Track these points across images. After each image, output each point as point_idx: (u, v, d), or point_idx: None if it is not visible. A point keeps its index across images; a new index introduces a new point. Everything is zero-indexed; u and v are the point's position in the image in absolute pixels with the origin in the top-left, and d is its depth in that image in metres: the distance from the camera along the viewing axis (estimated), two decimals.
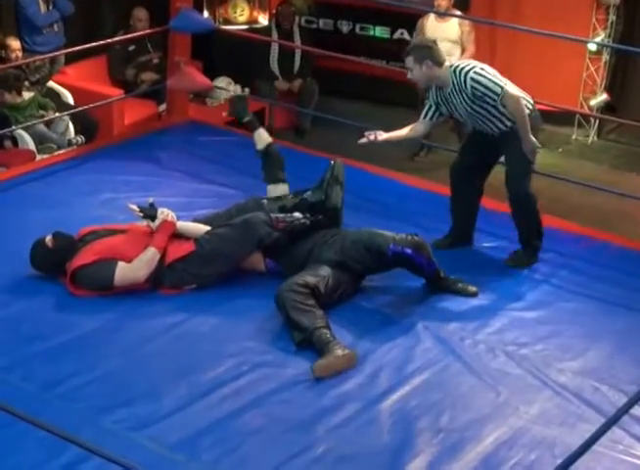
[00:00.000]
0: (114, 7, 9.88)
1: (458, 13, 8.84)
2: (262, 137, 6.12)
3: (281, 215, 5.46)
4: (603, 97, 9.79)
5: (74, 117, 8.24)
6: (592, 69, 9.75)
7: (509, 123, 5.64)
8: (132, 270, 5.27)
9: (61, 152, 7.85)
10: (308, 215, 5.52)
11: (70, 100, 8.66)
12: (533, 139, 5.62)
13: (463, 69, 5.60)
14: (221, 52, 10.05)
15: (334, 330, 4.98)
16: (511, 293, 5.65)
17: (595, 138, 9.99)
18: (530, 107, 5.65)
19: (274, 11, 10.30)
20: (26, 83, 8.24)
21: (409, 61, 5.67)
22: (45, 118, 8.04)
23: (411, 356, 4.96)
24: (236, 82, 9.76)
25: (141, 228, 5.48)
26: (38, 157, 7.80)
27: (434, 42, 5.92)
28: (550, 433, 4.45)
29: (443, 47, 8.86)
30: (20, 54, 8.41)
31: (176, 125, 7.97)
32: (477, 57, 9.08)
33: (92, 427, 4.24)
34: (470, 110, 5.65)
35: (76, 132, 8.25)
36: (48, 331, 4.99)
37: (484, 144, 5.83)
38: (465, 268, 5.78)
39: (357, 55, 9.86)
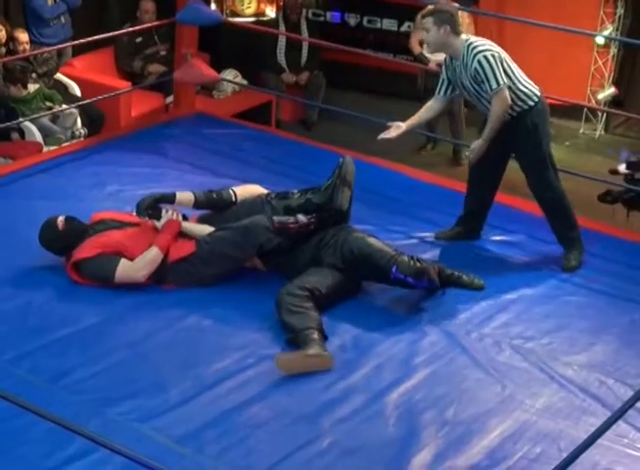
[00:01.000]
0: None
1: (463, 8, 8.81)
2: (185, 202, 5.63)
3: (284, 219, 5.36)
4: (610, 91, 9.77)
5: (81, 109, 8.25)
6: (600, 62, 9.73)
7: (515, 110, 5.55)
8: (133, 269, 5.27)
9: (66, 144, 7.86)
10: (312, 217, 5.42)
11: (78, 92, 8.66)
12: (482, 148, 5.58)
13: (476, 47, 5.53)
14: (228, 44, 10.04)
15: (340, 324, 4.99)
16: (517, 286, 5.64)
17: (602, 132, 9.97)
18: (536, 99, 5.60)
19: (281, 3, 10.30)
20: (34, 75, 8.26)
21: (428, 21, 5.56)
22: (52, 111, 8.05)
23: (417, 350, 4.96)
24: (243, 75, 9.76)
25: (149, 225, 5.48)
26: (45, 149, 7.82)
27: (457, 10, 5.81)
28: (556, 426, 4.45)
29: None
30: (27, 46, 8.42)
31: (183, 118, 7.96)
32: None
33: (98, 419, 4.25)
34: (473, 89, 5.60)
35: (83, 124, 8.27)
36: (54, 323, 5.00)
37: (497, 134, 5.68)
38: (471, 262, 5.78)
39: (364, 47, 9.87)
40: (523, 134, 5.64)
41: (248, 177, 6.57)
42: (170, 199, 5.60)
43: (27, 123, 7.90)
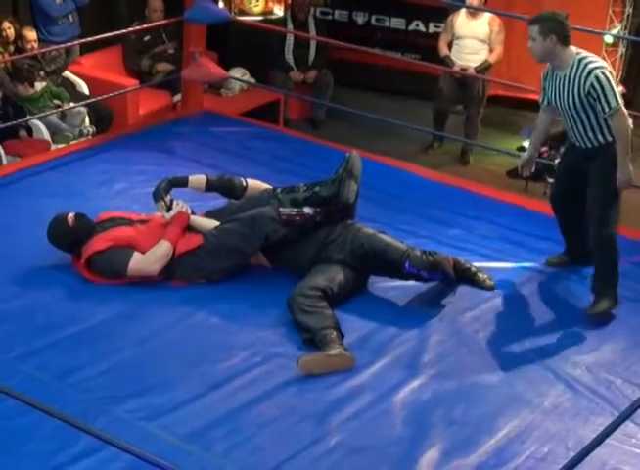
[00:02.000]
0: None
1: (484, 9, 8.82)
2: (196, 184, 5.69)
3: (290, 211, 5.38)
4: (619, 90, 9.72)
5: (89, 108, 8.26)
6: (608, 61, 9.68)
7: (605, 139, 5.23)
8: (146, 264, 5.28)
9: (74, 142, 7.87)
10: (319, 210, 5.44)
11: (86, 90, 8.67)
12: (631, 170, 5.21)
13: (591, 61, 5.16)
14: (236, 43, 10.04)
15: (348, 322, 4.99)
16: (526, 286, 5.63)
17: None
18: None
19: (289, 2, 10.29)
20: (42, 73, 8.26)
21: (534, 29, 5.19)
22: (60, 109, 8.06)
23: (424, 349, 4.96)
24: (251, 73, 9.76)
25: (158, 220, 5.48)
26: (53, 147, 7.82)
27: (566, 17, 5.31)
28: (563, 426, 4.44)
29: (470, 45, 8.92)
30: (35, 45, 8.43)
31: (191, 116, 7.97)
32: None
33: (105, 417, 4.25)
34: (573, 105, 5.20)
35: (91, 122, 8.28)
36: (62, 321, 5.00)
37: (577, 162, 5.36)
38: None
39: (372, 46, 9.86)
40: (606, 164, 5.25)
41: (255, 175, 6.54)
42: (183, 182, 5.62)
43: (35, 121, 7.91)
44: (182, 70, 7.79)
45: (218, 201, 5.86)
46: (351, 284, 5.31)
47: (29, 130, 7.94)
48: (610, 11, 9.52)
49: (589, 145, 5.28)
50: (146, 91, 8.87)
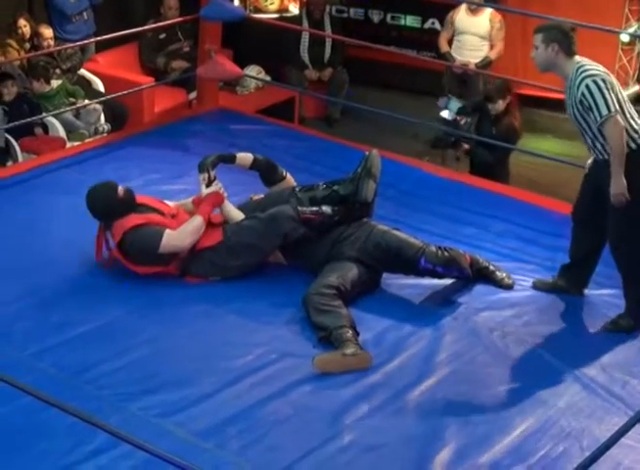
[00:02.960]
0: None
1: (488, 5, 8.79)
2: (243, 162, 5.78)
3: (308, 209, 5.40)
4: (635, 88, 9.72)
5: (105, 105, 8.28)
6: (624, 60, 9.68)
7: (606, 151, 5.02)
8: (179, 238, 5.28)
9: (90, 140, 7.88)
10: (337, 209, 5.45)
11: (101, 88, 8.70)
12: (624, 182, 4.92)
13: (586, 70, 4.99)
14: (252, 40, 10.04)
15: (363, 321, 4.99)
16: None
17: None
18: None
19: (305, 0, 10.30)
20: (58, 71, 8.29)
21: (537, 38, 5.09)
22: (75, 106, 8.08)
23: (439, 347, 4.95)
24: (266, 71, 9.77)
25: (185, 216, 5.48)
26: (68, 144, 7.84)
27: (573, 29, 5.16)
28: (578, 425, 4.43)
29: (471, 42, 8.90)
30: (52, 42, 8.47)
31: (206, 113, 7.97)
32: (509, 48, 9.09)
33: (120, 414, 4.27)
34: (574, 115, 5.08)
35: (107, 120, 8.29)
36: (77, 318, 5.01)
37: (600, 176, 5.10)
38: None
39: (388, 44, 9.85)
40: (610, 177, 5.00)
41: None
42: (231, 157, 5.68)
43: (51, 119, 7.94)
44: (197, 68, 7.81)
45: (234, 198, 5.87)
46: (364, 281, 5.31)
47: (45, 128, 7.97)
48: (626, 9, 9.49)
49: (601, 157, 5.08)
50: (161, 89, 8.89)
